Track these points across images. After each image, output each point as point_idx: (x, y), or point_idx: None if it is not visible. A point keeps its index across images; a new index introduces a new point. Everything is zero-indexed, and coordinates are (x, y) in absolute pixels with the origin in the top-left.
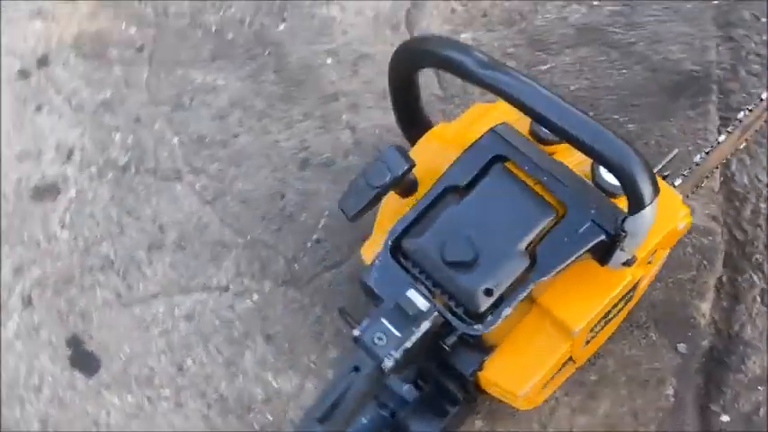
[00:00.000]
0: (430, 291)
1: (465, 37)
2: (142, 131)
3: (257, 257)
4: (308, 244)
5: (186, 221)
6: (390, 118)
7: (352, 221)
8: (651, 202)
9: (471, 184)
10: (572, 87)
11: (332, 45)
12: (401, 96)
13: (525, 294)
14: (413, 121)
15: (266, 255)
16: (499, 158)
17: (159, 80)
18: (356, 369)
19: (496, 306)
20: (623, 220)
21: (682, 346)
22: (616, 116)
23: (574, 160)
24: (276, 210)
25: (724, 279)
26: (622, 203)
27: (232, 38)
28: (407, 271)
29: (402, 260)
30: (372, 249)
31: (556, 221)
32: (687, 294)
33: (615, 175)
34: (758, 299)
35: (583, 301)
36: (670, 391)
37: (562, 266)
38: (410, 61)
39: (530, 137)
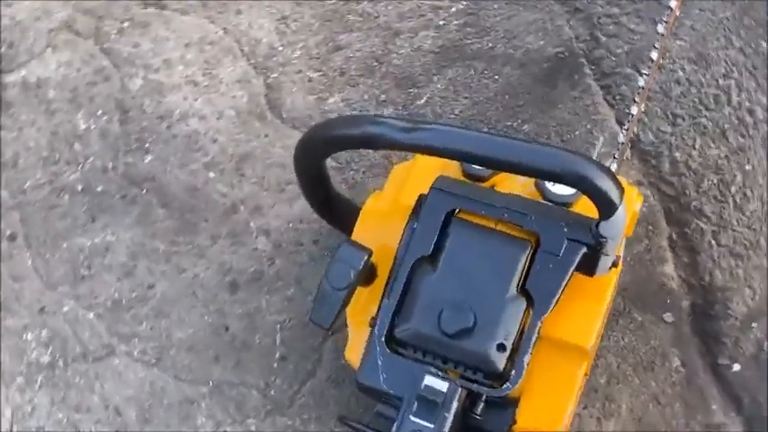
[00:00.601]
0: (442, 369)
1: (334, 101)
2: (53, 321)
3: (230, 399)
4: (274, 365)
5: (140, 393)
6: (297, 208)
7: (329, 330)
8: (621, 202)
9: (437, 249)
10: (457, 111)
11: (207, 158)
12: (314, 185)
13: (536, 335)
14: (328, 204)
15: (237, 393)
16: (452, 213)
17: (47, 261)
18: None
19: (512, 358)
20: (597, 227)
21: (667, 315)
22: (509, 123)
23: (516, 186)
24: (226, 344)
25: (674, 236)
26: (579, 208)
27: (102, 189)
28: (412, 359)
29: (401, 350)
30: (357, 350)
31: (533, 252)
32: (649, 265)
33: (580, 189)
34: (713, 242)
35: (584, 315)
36: (677, 363)
37: (559, 294)
38: (320, 149)
39: (466, 179)
